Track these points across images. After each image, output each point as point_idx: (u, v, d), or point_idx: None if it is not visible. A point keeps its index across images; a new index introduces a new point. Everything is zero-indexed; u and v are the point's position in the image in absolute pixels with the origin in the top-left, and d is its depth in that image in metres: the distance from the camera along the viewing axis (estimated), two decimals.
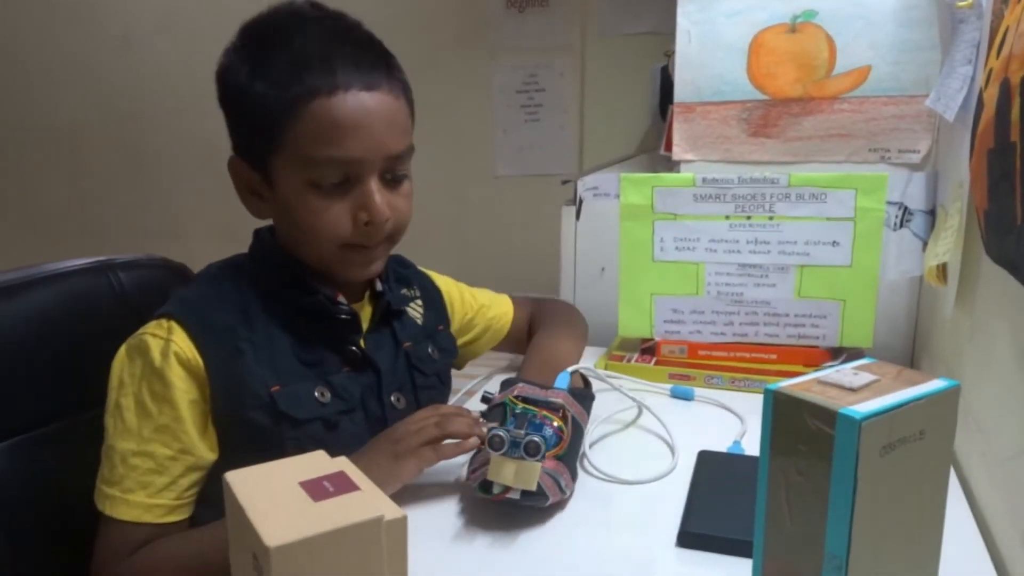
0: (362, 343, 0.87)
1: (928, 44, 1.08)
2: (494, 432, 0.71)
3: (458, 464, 0.83)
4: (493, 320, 1.11)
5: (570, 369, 0.92)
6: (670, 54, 1.32)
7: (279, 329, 0.81)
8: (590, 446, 0.89)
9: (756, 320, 1.11)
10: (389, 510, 0.41)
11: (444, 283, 1.06)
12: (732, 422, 0.98)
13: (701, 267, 1.11)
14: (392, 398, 0.88)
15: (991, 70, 0.77)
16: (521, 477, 0.71)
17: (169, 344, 0.75)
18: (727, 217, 1.09)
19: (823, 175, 1.05)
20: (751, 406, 1.00)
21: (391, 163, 0.79)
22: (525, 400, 0.80)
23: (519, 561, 0.69)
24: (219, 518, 0.73)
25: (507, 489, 0.71)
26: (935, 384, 0.51)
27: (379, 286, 0.91)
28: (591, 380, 0.98)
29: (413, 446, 0.75)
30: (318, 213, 0.77)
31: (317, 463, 0.46)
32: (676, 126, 1.23)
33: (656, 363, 1.13)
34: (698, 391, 1.07)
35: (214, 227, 2.80)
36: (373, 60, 0.79)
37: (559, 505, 0.76)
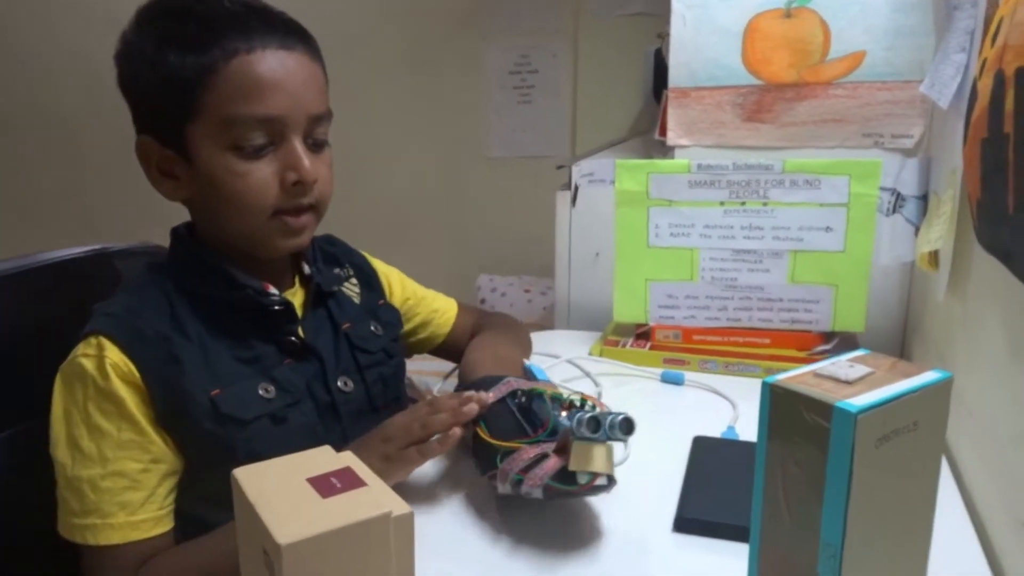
0: (300, 331, 0.84)
1: (922, 30, 1.09)
2: (587, 416, 0.65)
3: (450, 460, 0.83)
4: (435, 314, 1.07)
5: (525, 361, 0.90)
6: (664, 35, 1.32)
7: (211, 331, 0.79)
8: None
9: (750, 305, 1.12)
10: (396, 506, 0.42)
11: (381, 265, 1.04)
12: (724, 407, 0.99)
13: (696, 253, 1.12)
14: (339, 383, 0.86)
15: (985, 59, 0.78)
16: (607, 461, 0.66)
17: (104, 360, 0.73)
18: (722, 203, 1.10)
19: (817, 161, 1.06)
20: (743, 391, 1.01)
21: (312, 125, 0.78)
22: (528, 391, 0.77)
23: (515, 549, 0.70)
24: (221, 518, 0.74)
25: (595, 476, 0.66)
26: (928, 376, 0.51)
27: (307, 269, 0.89)
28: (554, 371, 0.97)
29: (400, 447, 0.74)
30: (244, 177, 0.75)
31: (324, 459, 0.47)
32: (671, 111, 1.23)
33: (651, 348, 1.14)
34: (691, 376, 1.08)
35: None
36: (286, 21, 0.78)
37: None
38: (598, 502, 0.76)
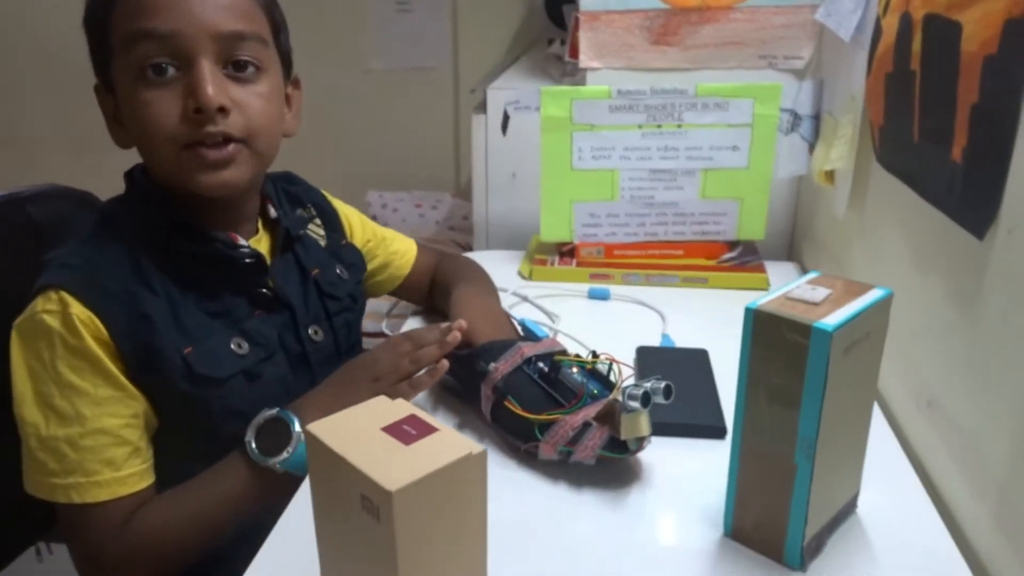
0: (270, 282, 0.83)
1: None
2: (643, 387, 0.69)
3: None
4: (395, 255, 1.07)
5: (516, 318, 0.91)
6: None
7: (178, 284, 0.76)
8: None
9: (665, 220, 1.21)
10: (472, 447, 0.47)
11: (340, 204, 1.02)
12: (651, 316, 1.09)
13: (616, 174, 1.19)
14: (310, 331, 0.86)
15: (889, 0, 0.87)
16: (649, 423, 0.71)
17: (70, 317, 0.70)
18: (640, 126, 1.16)
19: (726, 86, 1.14)
20: (665, 300, 1.11)
21: (226, 46, 0.73)
22: (545, 356, 0.78)
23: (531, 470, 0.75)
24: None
25: (642, 440, 0.71)
26: (876, 293, 0.62)
27: (272, 212, 0.86)
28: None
29: (391, 383, 0.76)
30: (148, 106, 0.71)
31: (385, 408, 0.51)
32: (582, 35, 1.27)
33: (577, 265, 1.21)
34: (616, 289, 1.17)
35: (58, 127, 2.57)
36: None
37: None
38: None
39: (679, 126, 1.16)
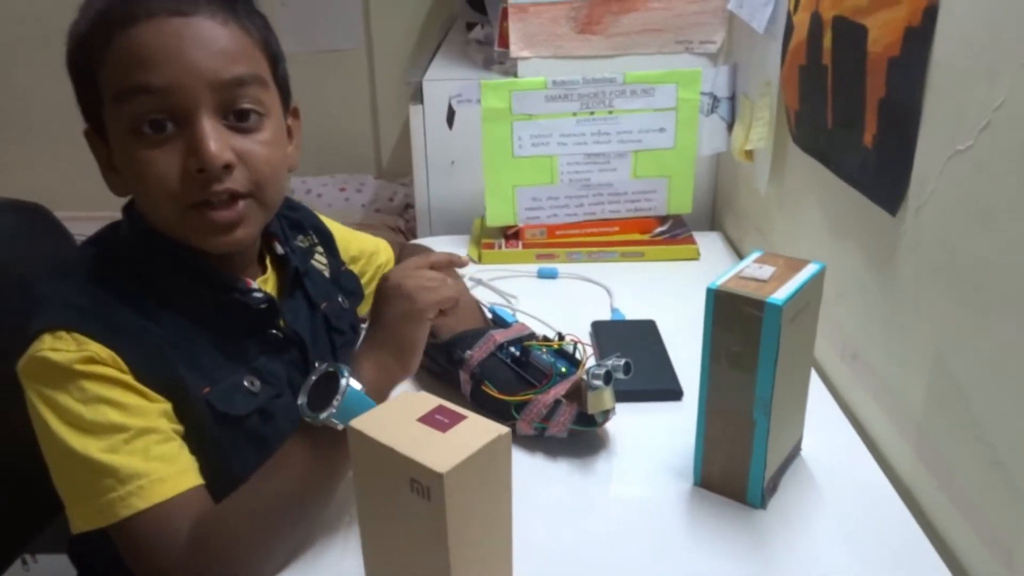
0: (281, 323, 0.79)
1: None
2: (605, 367, 0.77)
3: None
4: (381, 269, 1.04)
5: (486, 305, 0.96)
6: None
7: (190, 324, 0.72)
8: None
9: (602, 200, 1.30)
10: (499, 428, 0.54)
11: (333, 224, 0.99)
12: (598, 292, 1.18)
13: (555, 159, 1.27)
14: (316, 366, 0.78)
15: None
16: (612, 397, 0.79)
17: (88, 354, 0.65)
18: (574, 114, 1.24)
19: (651, 73, 1.23)
20: (609, 276, 1.21)
21: (226, 96, 0.68)
22: (515, 341, 0.85)
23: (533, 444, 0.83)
24: None
25: (608, 412, 0.80)
26: (813, 268, 0.72)
27: (279, 249, 0.83)
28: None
29: (433, 302, 0.73)
30: (146, 165, 0.67)
31: (412, 402, 0.57)
32: (512, 26, 1.34)
33: (523, 247, 1.29)
34: (561, 267, 1.25)
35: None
36: None
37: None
38: None
39: (610, 112, 1.25)
